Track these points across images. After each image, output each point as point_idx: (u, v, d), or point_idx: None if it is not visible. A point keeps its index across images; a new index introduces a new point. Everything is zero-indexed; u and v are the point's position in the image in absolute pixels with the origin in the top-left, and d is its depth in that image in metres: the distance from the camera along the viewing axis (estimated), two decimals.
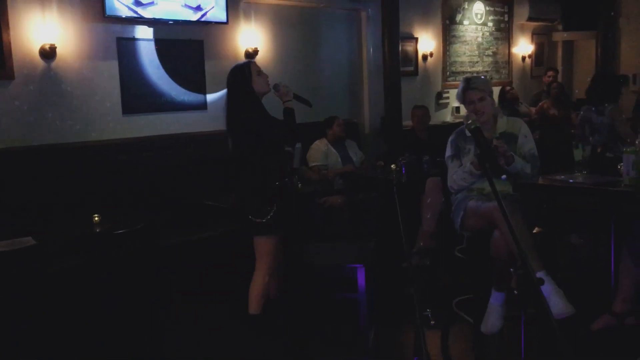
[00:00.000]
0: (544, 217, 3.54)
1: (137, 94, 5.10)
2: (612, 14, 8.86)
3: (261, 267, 3.49)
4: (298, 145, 4.47)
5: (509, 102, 7.36)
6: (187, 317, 4.07)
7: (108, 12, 4.73)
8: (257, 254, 3.50)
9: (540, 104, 7.64)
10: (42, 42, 4.53)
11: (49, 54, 4.56)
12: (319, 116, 5.93)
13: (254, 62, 3.62)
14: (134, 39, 5.05)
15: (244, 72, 3.48)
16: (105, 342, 3.52)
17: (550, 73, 8.14)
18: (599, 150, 4.03)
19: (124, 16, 4.83)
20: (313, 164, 5.43)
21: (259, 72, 3.50)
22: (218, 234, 4.71)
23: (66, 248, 3.92)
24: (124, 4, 4.80)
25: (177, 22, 5.21)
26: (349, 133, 5.88)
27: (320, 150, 5.51)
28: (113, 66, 4.95)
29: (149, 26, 5.11)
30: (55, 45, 4.57)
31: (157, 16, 5.02)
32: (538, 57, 9.54)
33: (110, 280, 3.75)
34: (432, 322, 3.58)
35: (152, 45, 5.16)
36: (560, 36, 9.69)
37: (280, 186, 3.49)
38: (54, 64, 4.63)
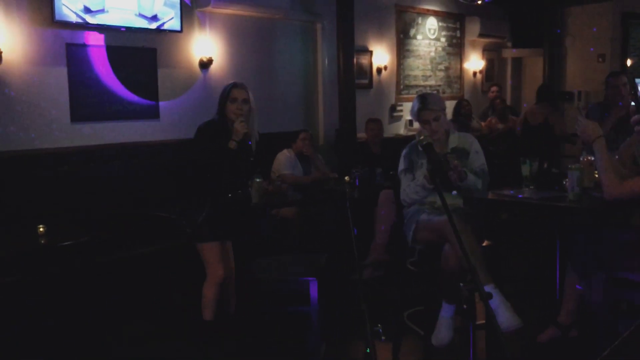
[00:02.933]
0: (493, 230, 3.61)
1: (86, 101, 4.96)
2: (558, 32, 9.19)
3: (207, 273, 3.52)
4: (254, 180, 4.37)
5: (462, 117, 7.50)
6: (142, 328, 3.98)
7: (57, 17, 4.60)
8: (203, 262, 3.53)
9: (489, 119, 7.87)
10: None
11: None
12: (275, 128, 5.93)
13: (240, 89, 3.44)
14: (84, 45, 4.93)
15: (224, 91, 3.48)
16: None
17: (493, 89, 8.40)
18: (545, 165, 4.17)
19: (74, 22, 4.71)
20: (284, 172, 5.41)
21: (236, 99, 3.41)
22: (169, 247, 4.61)
23: (8, 260, 3.77)
24: (72, 11, 4.68)
25: (129, 30, 5.11)
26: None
27: (289, 158, 5.53)
28: (62, 72, 4.81)
29: (100, 33, 5.00)
30: (1, 50, 4.41)
31: (108, 23, 4.92)
32: (488, 72, 9.79)
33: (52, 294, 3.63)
34: (383, 338, 3.60)
35: (103, 52, 5.04)
36: (509, 53, 9.98)
37: (232, 198, 3.49)
38: None
